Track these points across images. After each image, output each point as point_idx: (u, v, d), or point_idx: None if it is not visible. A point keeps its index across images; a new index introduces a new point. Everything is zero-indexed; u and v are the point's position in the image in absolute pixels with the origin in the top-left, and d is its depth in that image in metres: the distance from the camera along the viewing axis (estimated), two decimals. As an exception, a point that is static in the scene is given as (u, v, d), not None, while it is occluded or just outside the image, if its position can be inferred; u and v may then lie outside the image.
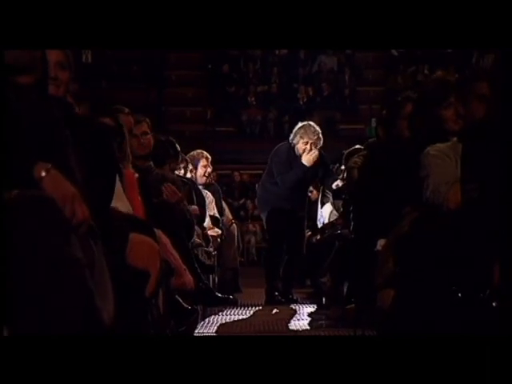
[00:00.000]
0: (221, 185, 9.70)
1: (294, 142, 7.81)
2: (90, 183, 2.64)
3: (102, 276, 2.47)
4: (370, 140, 6.53)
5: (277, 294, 7.90)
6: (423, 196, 3.67)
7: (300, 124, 7.95)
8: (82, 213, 2.28)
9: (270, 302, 7.79)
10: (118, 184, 3.54)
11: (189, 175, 7.51)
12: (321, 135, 7.85)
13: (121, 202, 3.65)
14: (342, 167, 7.41)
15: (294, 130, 7.90)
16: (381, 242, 4.34)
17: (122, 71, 16.05)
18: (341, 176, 7.55)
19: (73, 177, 2.41)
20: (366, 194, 4.96)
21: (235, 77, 17.11)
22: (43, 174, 2.28)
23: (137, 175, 4.42)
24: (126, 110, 4.76)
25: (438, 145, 3.75)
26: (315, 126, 7.94)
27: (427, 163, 3.69)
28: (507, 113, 3.29)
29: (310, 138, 7.76)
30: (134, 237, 3.05)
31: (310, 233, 8.51)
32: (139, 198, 4.23)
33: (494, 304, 3.10)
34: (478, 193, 3.31)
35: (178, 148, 6.70)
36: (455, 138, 3.78)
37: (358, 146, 7.10)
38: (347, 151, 7.20)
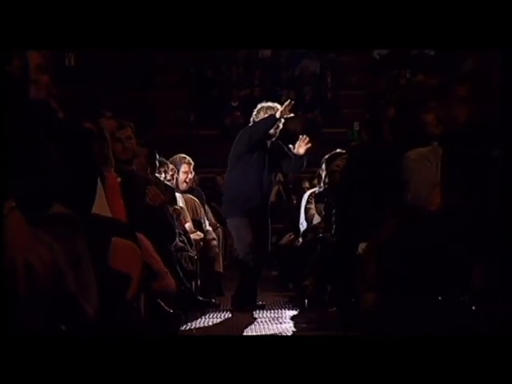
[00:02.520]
0: (204, 188, 9.67)
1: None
2: (72, 187, 2.64)
3: (87, 271, 2.47)
4: (352, 143, 6.57)
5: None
6: (404, 199, 3.69)
7: (259, 106, 7.74)
8: (39, 266, 2.16)
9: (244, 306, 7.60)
10: (100, 188, 3.54)
11: (169, 178, 7.49)
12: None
13: (103, 206, 3.65)
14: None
15: (256, 111, 7.67)
16: (362, 246, 4.37)
17: (107, 74, 16.00)
18: (322, 180, 7.55)
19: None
20: (348, 198, 4.99)
21: (218, 80, 17.11)
22: (5, 211, 2.16)
23: (119, 179, 4.42)
24: (109, 113, 4.75)
25: (419, 149, 3.78)
26: (272, 103, 7.81)
27: (408, 167, 3.71)
28: (506, 114, 3.30)
29: (276, 109, 7.56)
30: (116, 241, 3.06)
31: (292, 236, 8.51)
32: (121, 201, 4.22)
33: (473, 307, 3.12)
34: (460, 200, 3.33)
35: (158, 157, 6.67)
36: (436, 142, 3.80)
37: (338, 151, 7.13)
38: (328, 156, 7.22)
